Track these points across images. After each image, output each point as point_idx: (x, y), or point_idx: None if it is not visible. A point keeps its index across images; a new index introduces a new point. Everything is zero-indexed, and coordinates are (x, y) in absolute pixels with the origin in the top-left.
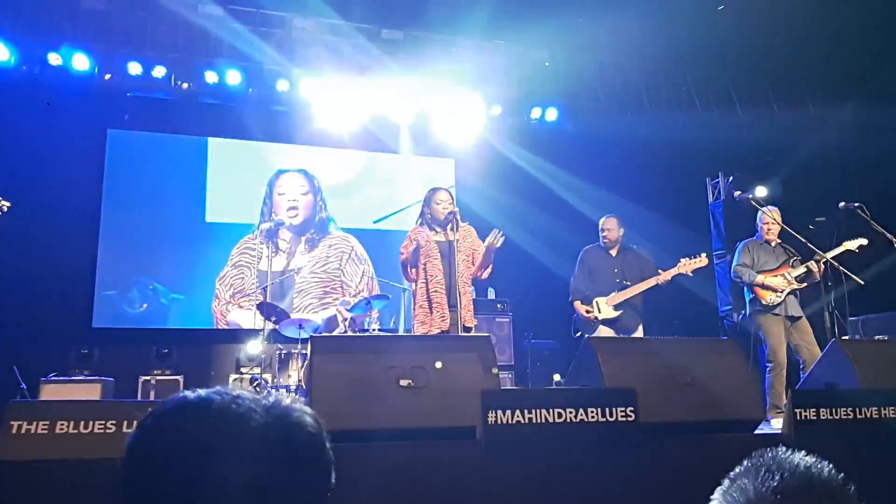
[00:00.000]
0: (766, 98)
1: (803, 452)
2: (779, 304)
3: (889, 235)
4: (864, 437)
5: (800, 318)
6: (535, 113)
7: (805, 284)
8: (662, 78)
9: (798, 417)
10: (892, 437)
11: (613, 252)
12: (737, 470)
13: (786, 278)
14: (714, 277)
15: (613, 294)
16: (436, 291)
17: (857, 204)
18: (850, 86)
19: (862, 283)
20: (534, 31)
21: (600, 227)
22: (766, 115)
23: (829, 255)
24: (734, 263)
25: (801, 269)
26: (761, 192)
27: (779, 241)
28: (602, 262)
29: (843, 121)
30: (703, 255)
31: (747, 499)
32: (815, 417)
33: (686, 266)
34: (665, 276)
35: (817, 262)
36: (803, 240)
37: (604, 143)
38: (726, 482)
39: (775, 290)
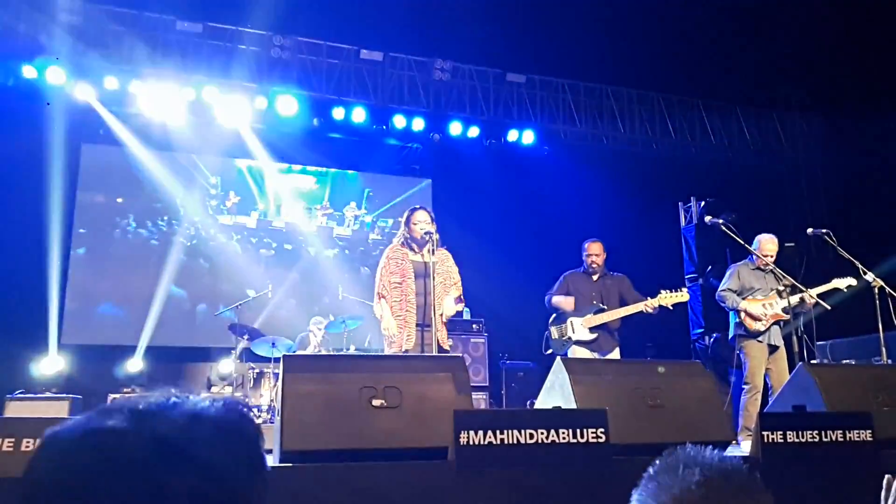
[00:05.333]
0: (737, 124)
1: (711, 448)
2: (763, 332)
3: (856, 262)
4: (830, 460)
5: (778, 347)
6: (512, 135)
7: (789, 316)
8: (636, 102)
9: (765, 440)
10: (857, 459)
11: (595, 277)
12: (651, 470)
13: (772, 307)
14: (687, 300)
15: (589, 316)
16: (407, 311)
17: (824, 230)
18: (819, 111)
19: (829, 307)
20: (511, 54)
21: (585, 251)
22: (738, 139)
23: (817, 290)
24: (721, 287)
25: (792, 301)
26: (731, 217)
27: (771, 267)
28: (583, 286)
29: (811, 146)
30: (685, 289)
31: (672, 495)
32: (782, 440)
33: (667, 298)
34: (652, 303)
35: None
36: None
37: (579, 165)
38: (644, 481)
39: (758, 319)
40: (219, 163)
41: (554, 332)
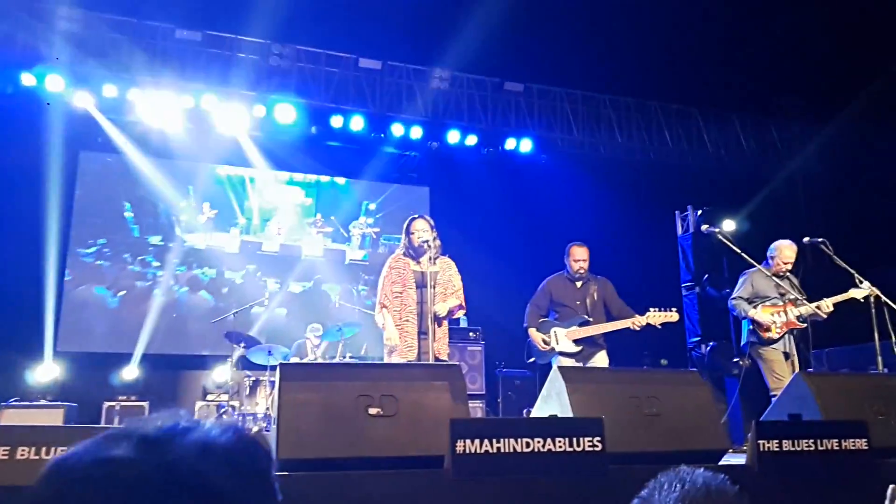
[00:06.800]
0: (734, 131)
1: (703, 469)
2: (778, 339)
3: (851, 270)
4: (826, 469)
5: (790, 355)
6: (510, 144)
7: (805, 325)
8: (633, 111)
9: (761, 449)
10: (852, 468)
11: (579, 283)
12: (644, 491)
13: (786, 315)
14: (683, 309)
15: (574, 328)
16: (406, 320)
17: (820, 239)
18: (815, 120)
19: (825, 316)
20: (509, 63)
21: (571, 255)
22: (735, 148)
23: (832, 300)
24: (733, 294)
25: (808, 309)
26: (729, 225)
27: (787, 274)
28: (567, 292)
29: (808, 154)
30: (674, 310)
31: None
32: (777, 449)
33: (655, 317)
34: (640, 321)
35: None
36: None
37: (576, 174)
38: (636, 501)
39: (769, 328)
40: (194, 169)
41: (537, 339)
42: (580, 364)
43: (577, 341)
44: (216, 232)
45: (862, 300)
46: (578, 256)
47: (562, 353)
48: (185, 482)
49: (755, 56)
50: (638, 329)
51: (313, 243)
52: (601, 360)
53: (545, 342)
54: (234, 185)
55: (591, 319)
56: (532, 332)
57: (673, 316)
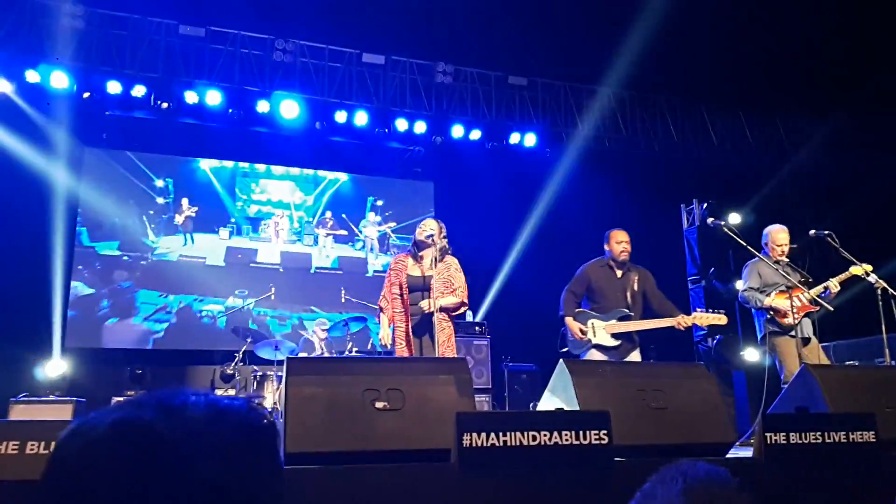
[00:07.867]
0: (739, 125)
1: (705, 462)
2: (796, 325)
3: (857, 263)
4: (833, 461)
5: (811, 339)
6: (514, 138)
7: (818, 308)
8: (638, 104)
9: (768, 441)
10: (859, 460)
11: (619, 272)
12: (646, 486)
13: (800, 300)
14: (689, 302)
15: (614, 322)
16: (407, 323)
17: (826, 232)
18: (821, 113)
19: (832, 309)
20: (513, 57)
21: (613, 239)
22: (740, 141)
23: (837, 279)
24: (743, 287)
25: (818, 290)
26: (734, 218)
27: (786, 260)
28: (607, 282)
29: (814, 147)
30: (722, 312)
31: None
32: (785, 441)
33: (703, 319)
34: (686, 321)
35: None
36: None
37: (581, 168)
38: (638, 495)
39: (785, 314)
40: (170, 162)
41: (574, 328)
42: (615, 360)
43: (615, 335)
44: (198, 233)
45: (864, 276)
46: (622, 238)
47: (597, 347)
48: (202, 443)
49: (761, 48)
50: (682, 329)
51: (324, 249)
52: (636, 358)
53: (583, 332)
54: (221, 180)
55: (632, 314)
56: (569, 321)
57: (721, 318)
